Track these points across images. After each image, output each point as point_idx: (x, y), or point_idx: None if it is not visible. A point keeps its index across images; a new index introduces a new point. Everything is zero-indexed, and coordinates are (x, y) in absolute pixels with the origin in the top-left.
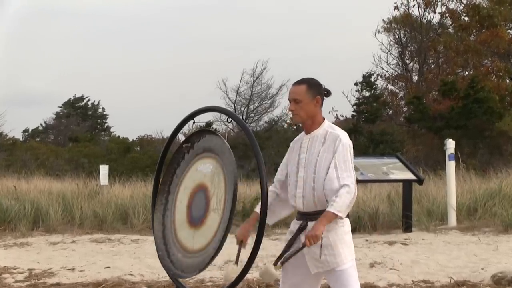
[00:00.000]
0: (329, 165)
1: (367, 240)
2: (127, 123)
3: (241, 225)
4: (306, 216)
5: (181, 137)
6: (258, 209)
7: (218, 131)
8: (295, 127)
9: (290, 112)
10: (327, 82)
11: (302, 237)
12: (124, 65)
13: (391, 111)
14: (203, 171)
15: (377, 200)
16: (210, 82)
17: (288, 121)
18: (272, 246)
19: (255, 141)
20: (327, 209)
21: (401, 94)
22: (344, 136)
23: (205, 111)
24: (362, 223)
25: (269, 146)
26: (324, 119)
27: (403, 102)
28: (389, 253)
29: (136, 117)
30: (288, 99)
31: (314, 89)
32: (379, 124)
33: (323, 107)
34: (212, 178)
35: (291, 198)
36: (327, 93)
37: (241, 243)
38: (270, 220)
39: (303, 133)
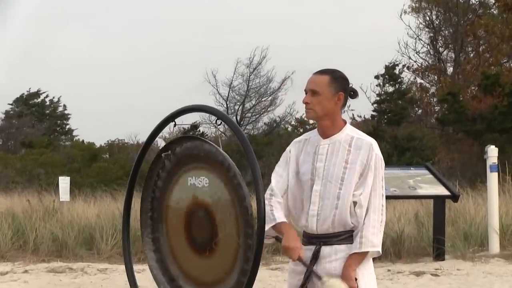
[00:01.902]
0: (358, 180)
1: (389, 270)
2: (93, 125)
3: (285, 238)
4: (319, 240)
5: (160, 143)
6: (283, 218)
7: (206, 136)
8: (301, 130)
9: (304, 105)
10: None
11: (321, 270)
12: (91, 54)
13: (420, 111)
14: (197, 185)
15: (402, 221)
16: (197, 74)
17: (293, 122)
18: (272, 278)
19: (250, 148)
20: (357, 249)
21: (432, 89)
22: (376, 145)
23: (189, 111)
24: (383, 249)
25: (269, 154)
26: (345, 122)
27: (434, 100)
28: (416, 286)
29: (105, 118)
30: (305, 90)
31: (338, 84)
32: (405, 126)
33: (344, 107)
34: (213, 193)
35: (297, 215)
36: (354, 93)
37: (300, 257)
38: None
39: (314, 133)
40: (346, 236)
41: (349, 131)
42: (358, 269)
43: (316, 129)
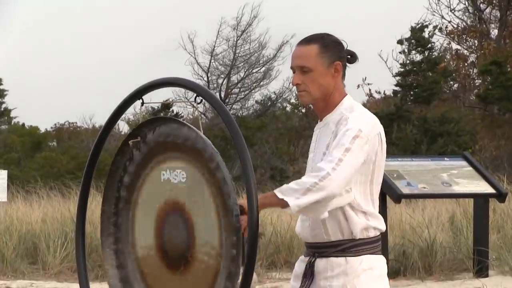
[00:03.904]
0: None
1: None
2: (37, 104)
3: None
4: (313, 251)
5: (123, 127)
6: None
7: (182, 117)
8: (303, 110)
9: (295, 88)
10: (353, 40)
11: (322, 282)
12: (32, 15)
13: (456, 85)
14: (172, 181)
15: (434, 227)
16: (168, 38)
17: (293, 100)
18: None
19: (239, 133)
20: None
21: (472, 57)
22: (356, 118)
23: (160, 85)
24: (409, 262)
25: (263, 141)
26: (345, 96)
27: (475, 71)
28: None
29: (51, 96)
30: (291, 67)
31: (331, 51)
32: (437, 105)
33: (345, 79)
34: (190, 191)
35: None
36: (352, 57)
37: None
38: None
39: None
40: (346, 246)
41: (343, 109)
42: (357, 282)
43: None
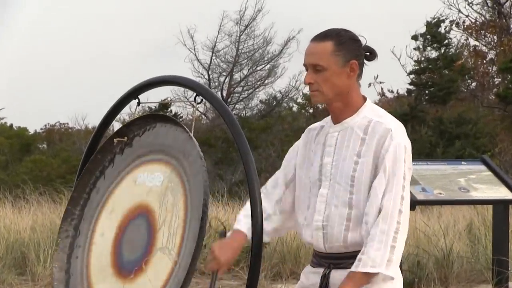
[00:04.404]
0: (372, 179)
1: None
2: (26, 104)
3: (218, 243)
4: (328, 261)
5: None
6: (244, 226)
7: (180, 118)
8: (311, 110)
9: (307, 87)
10: (364, 35)
11: None
12: (25, 11)
13: (474, 84)
14: (146, 184)
15: (450, 235)
16: (167, 34)
17: (299, 100)
18: None
19: (242, 135)
20: (354, 267)
21: (491, 54)
22: (399, 132)
23: (158, 84)
24: (424, 273)
25: (267, 143)
26: (365, 99)
27: (494, 69)
28: None
29: (41, 95)
30: (304, 64)
31: (348, 49)
32: (453, 105)
33: (361, 78)
34: (163, 195)
35: (301, 229)
36: (371, 54)
37: (216, 272)
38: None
39: (327, 119)
40: None
41: (367, 113)
42: None
43: None
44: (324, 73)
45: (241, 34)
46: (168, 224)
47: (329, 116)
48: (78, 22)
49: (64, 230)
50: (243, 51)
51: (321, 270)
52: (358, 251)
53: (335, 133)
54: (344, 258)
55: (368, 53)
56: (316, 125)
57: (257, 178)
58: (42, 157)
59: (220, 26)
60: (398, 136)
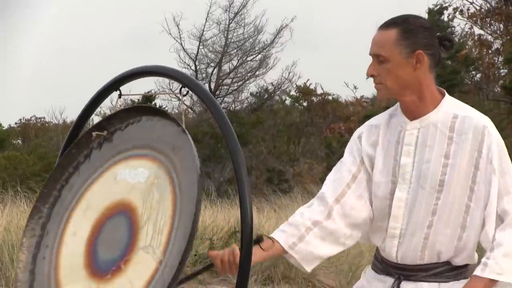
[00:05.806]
0: (470, 183)
1: None
2: None
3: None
4: (399, 272)
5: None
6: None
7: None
8: (305, 104)
9: (372, 79)
10: (360, 24)
11: None
12: None
13: (478, 75)
14: (128, 181)
15: None
16: (150, 22)
17: (293, 92)
18: None
19: (231, 130)
20: (479, 271)
21: (497, 44)
22: (492, 126)
23: (141, 75)
24: None
25: (258, 139)
26: (443, 93)
27: (500, 59)
28: None
29: (15, 88)
30: (370, 54)
31: (414, 38)
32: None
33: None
34: (147, 192)
35: (372, 234)
36: (449, 42)
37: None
38: (305, 263)
39: (392, 113)
40: (441, 270)
41: (449, 107)
42: None
43: (398, 104)
44: (387, 64)
45: (231, 22)
46: (153, 222)
47: (395, 108)
48: (55, 9)
49: (30, 229)
50: (232, 40)
51: (387, 279)
52: (435, 263)
53: (415, 131)
54: (418, 271)
55: (447, 42)
56: (378, 121)
57: (247, 176)
58: (17, 154)
59: (208, 14)
60: (495, 132)
